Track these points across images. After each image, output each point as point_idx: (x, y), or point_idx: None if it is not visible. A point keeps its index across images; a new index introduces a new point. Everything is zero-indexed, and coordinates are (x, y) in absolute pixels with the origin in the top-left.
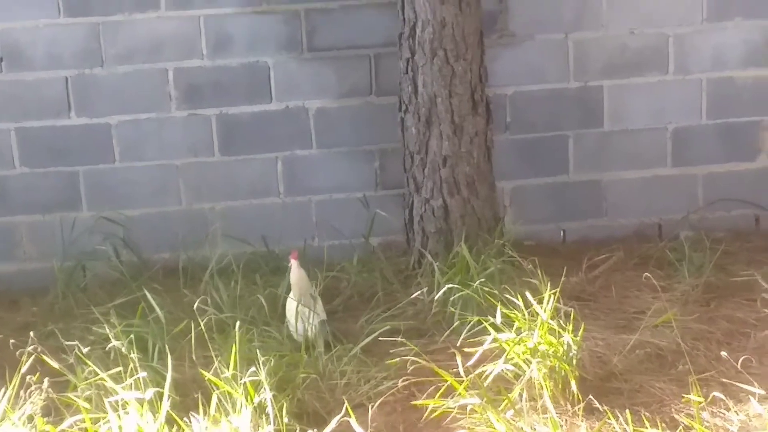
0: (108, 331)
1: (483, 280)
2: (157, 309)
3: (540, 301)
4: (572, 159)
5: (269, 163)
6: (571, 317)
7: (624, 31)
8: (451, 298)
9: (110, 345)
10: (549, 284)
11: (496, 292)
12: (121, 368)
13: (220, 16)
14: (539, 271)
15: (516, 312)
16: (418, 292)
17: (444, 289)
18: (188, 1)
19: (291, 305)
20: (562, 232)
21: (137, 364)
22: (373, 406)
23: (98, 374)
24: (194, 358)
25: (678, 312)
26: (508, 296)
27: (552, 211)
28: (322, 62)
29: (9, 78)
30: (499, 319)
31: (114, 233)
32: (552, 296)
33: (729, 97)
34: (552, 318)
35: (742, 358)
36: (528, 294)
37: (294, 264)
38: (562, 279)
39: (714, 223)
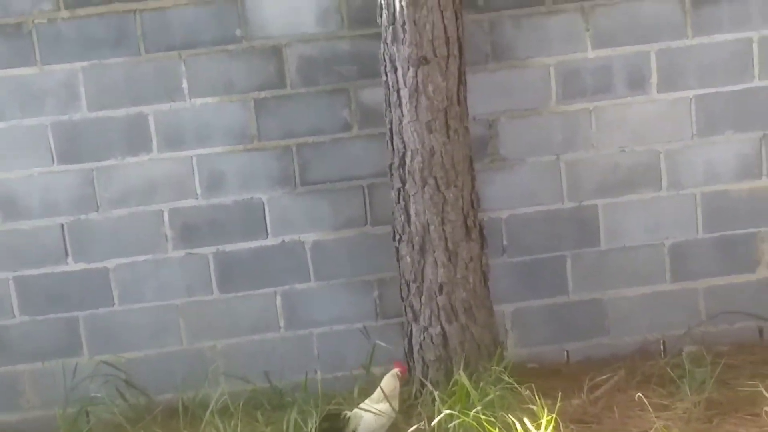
0: None
1: (483, 407)
2: None
3: (538, 427)
4: (571, 279)
5: (268, 299)
6: None
7: (615, 150)
8: (451, 426)
9: None
10: (548, 408)
11: (495, 419)
12: None
13: (213, 155)
14: (537, 396)
15: None
16: (419, 423)
17: (442, 415)
18: (180, 142)
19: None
20: (565, 353)
21: None
22: None
23: None
24: None
25: (681, 430)
26: (509, 422)
27: (554, 332)
28: (315, 195)
29: (6, 228)
30: None
31: (116, 376)
32: (550, 422)
33: (724, 210)
34: None
35: None
36: (526, 420)
37: (397, 374)
38: (560, 403)
39: (717, 337)
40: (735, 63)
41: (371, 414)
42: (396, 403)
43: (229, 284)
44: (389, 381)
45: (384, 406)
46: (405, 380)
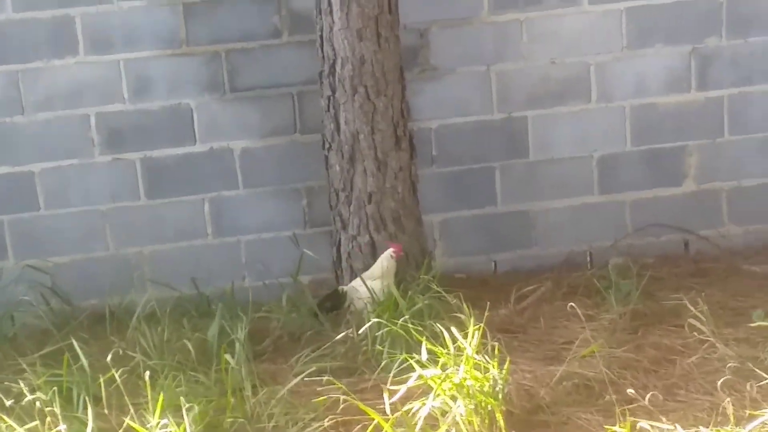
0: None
1: (411, 316)
2: (83, 358)
3: (466, 336)
4: (500, 190)
5: (196, 205)
6: (496, 351)
7: (545, 62)
8: (378, 335)
9: (30, 397)
10: (476, 318)
11: (422, 328)
12: (37, 422)
13: (140, 59)
14: (466, 306)
15: (441, 348)
16: (347, 330)
17: (369, 324)
18: (108, 46)
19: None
20: (493, 264)
21: (59, 416)
22: None
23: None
24: (121, 406)
25: (605, 341)
26: (436, 331)
27: (482, 243)
28: (245, 102)
29: None
30: (425, 356)
31: (41, 282)
32: (477, 331)
33: (653, 123)
34: (478, 352)
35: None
36: (454, 329)
37: (391, 255)
38: (487, 313)
39: (643, 249)
40: None
41: (365, 289)
42: (389, 280)
43: (157, 190)
44: (383, 261)
45: (377, 284)
46: (400, 259)
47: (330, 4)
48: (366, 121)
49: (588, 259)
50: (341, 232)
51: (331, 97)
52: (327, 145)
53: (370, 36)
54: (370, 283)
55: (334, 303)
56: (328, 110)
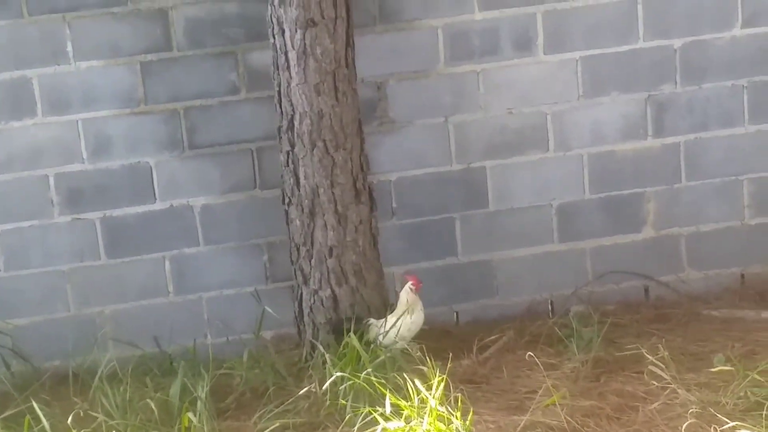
0: None
1: (374, 369)
2: (44, 420)
3: (429, 388)
4: (460, 240)
5: (157, 263)
6: (459, 402)
7: (502, 112)
8: (342, 389)
9: None
10: (439, 369)
11: (385, 381)
12: None
13: (99, 119)
14: (428, 357)
15: (404, 401)
16: (310, 385)
17: (333, 378)
18: (66, 106)
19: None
20: (455, 314)
21: None
22: None
23: None
24: None
25: (568, 389)
26: (400, 383)
27: (444, 294)
28: (204, 159)
29: None
30: (388, 409)
31: (2, 344)
32: (440, 382)
33: (611, 170)
34: (442, 404)
35: None
36: (417, 381)
37: (411, 287)
38: (450, 364)
39: (604, 296)
40: (620, 24)
41: (392, 328)
42: (418, 314)
43: (117, 249)
44: (403, 297)
45: (405, 320)
46: (418, 292)
47: (287, 59)
48: (325, 175)
49: (549, 307)
50: (303, 287)
51: (290, 152)
52: (287, 200)
53: (328, 90)
54: (404, 317)
55: (356, 330)
56: (288, 165)
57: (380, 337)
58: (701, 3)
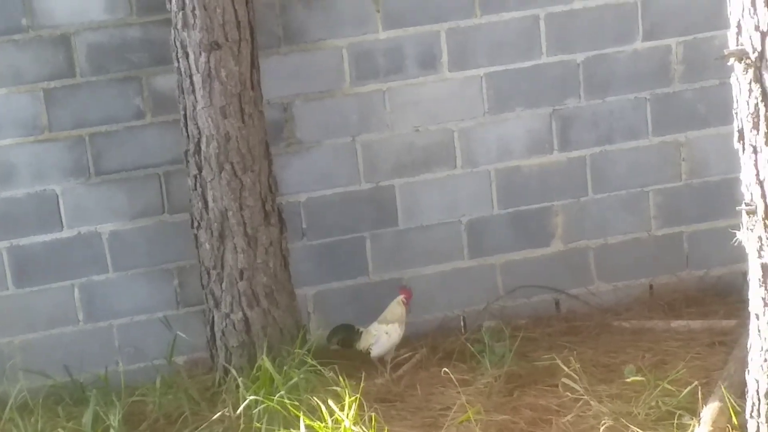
0: None
1: (287, 391)
2: None
3: (343, 408)
4: (371, 260)
5: (66, 291)
6: (374, 421)
7: (409, 130)
8: (256, 412)
9: None
10: (352, 389)
11: (299, 402)
12: None
13: (3, 147)
14: (342, 377)
15: (319, 422)
16: (224, 409)
17: (246, 402)
18: None
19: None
20: None
21: None
22: None
23: None
24: None
25: (482, 405)
26: (313, 405)
27: (356, 313)
28: (111, 185)
29: None
30: (303, 430)
31: None
32: (354, 402)
33: (518, 185)
34: (356, 423)
35: None
36: (331, 402)
37: (402, 300)
38: (363, 383)
39: (516, 311)
40: (523, 40)
41: (384, 334)
42: (403, 327)
43: (25, 278)
44: (395, 307)
45: (393, 327)
46: (408, 306)
47: (192, 83)
48: (234, 197)
49: (461, 323)
50: (214, 311)
51: (198, 176)
52: (196, 224)
53: (234, 113)
54: (389, 327)
55: (345, 339)
56: (196, 189)
57: (372, 347)
58: (602, 17)
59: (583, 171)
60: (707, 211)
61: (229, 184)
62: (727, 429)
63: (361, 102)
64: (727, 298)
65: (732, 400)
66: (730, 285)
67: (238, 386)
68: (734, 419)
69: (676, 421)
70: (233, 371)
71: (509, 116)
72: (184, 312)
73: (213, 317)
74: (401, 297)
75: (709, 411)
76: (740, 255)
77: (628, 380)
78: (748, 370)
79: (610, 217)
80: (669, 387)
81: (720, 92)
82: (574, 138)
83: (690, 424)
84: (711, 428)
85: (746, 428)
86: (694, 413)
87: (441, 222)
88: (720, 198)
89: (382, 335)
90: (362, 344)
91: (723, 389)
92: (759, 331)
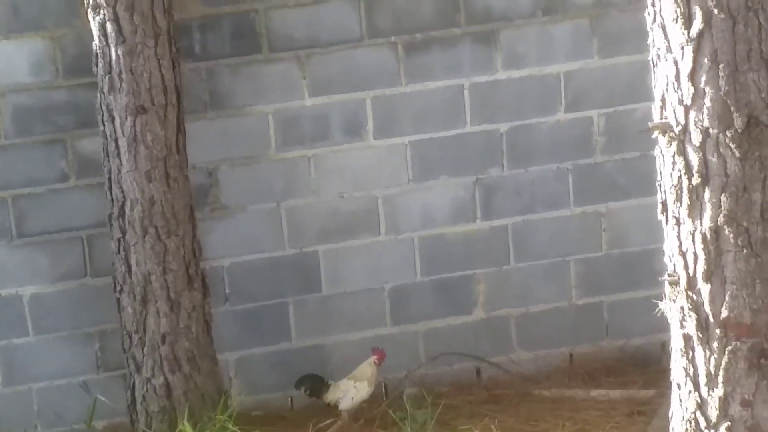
0: None
1: None
2: None
3: None
4: (294, 325)
5: None
6: None
7: (334, 196)
8: None
9: None
10: None
11: None
12: None
13: None
14: None
15: None
16: None
17: None
18: None
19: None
20: (290, 399)
21: None
22: None
23: None
24: None
25: None
26: None
27: (278, 379)
28: (33, 247)
29: None
30: None
31: None
32: None
33: (441, 253)
34: None
35: None
36: None
37: (374, 361)
38: None
39: (437, 378)
40: (447, 109)
41: (353, 389)
42: (372, 386)
43: None
44: (365, 367)
45: (362, 384)
46: (380, 366)
47: (117, 146)
48: (157, 261)
49: (383, 390)
50: (135, 375)
51: (122, 239)
52: (118, 288)
53: (159, 177)
54: (358, 384)
55: (314, 388)
56: (119, 252)
57: (340, 401)
58: (526, 88)
59: (505, 240)
60: (627, 281)
61: (153, 248)
62: None
63: (286, 168)
64: (646, 367)
65: None
66: (648, 355)
67: None
68: None
69: None
70: None
71: (433, 184)
72: (104, 376)
73: (134, 382)
74: (374, 358)
75: None
76: (659, 325)
77: None
78: None
79: (531, 285)
80: None
81: (641, 164)
82: (496, 207)
83: None
84: None
85: None
86: None
87: (364, 288)
88: (640, 268)
89: (351, 390)
90: (329, 396)
91: None
92: (680, 401)
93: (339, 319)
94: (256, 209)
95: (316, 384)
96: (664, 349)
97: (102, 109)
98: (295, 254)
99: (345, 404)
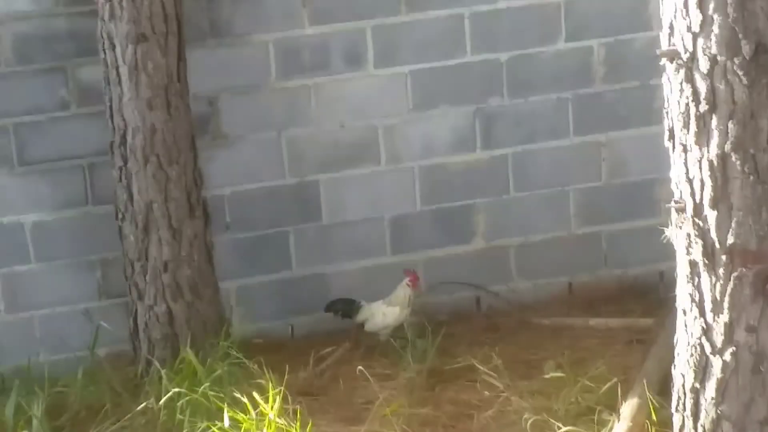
0: None
1: (211, 384)
2: None
3: (267, 401)
4: (294, 254)
5: None
6: (298, 414)
7: (335, 126)
8: (179, 404)
9: None
10: (275, 382)
11: (223, 395)
12: None
13: None
14: (265, 371)
15: (243, 414)
16: (147, 401)
17: (170, 394)
18: None
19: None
20: (290, 328)
21: None
22: None
23: None
24: None
25: (404, 399)
26: (237, 397)
27: (279, 308)
28: (35, 175)
29: None
30: (227, 423)
31: None
32: (278, 395)
33: (441, 183)
34: (280, 416)
35: None
36: (255, 394)
37: (407, 283)
38: (287, 376)
39: (437, 307)
40: (448, 38)
41: (381, 314)
42: (407, 311)
43: None
44: (398, 291)
45: (393, 310)
46: (416, 289)
47: (119, 75)
48: (159, 190)
49: None
50: (137, 303)
51: (123, 168)
52: (120, 216)
53: (161, 105)
54: (388, 308)
55: (345, 310)
56: (121, 181)
57: (367, 323)
58: (526, 18)
59: (505, 169)
60: (626, 211)
61: (155, 176)
62: (646, 425)
63: (287, 97)
64: (644, 297)
65: (651, 397)
66: (647, 284)
67: (161, 378)
68: (653, 415)
69: (596, 417)
70: (156, 363)
71: (434, 114)
72: (107, 304)
73: (136, 309)
74: (407, 280)
75: (628, 407)
76: (657, 255)
77: (548, 376)
78: (675, 365)
79: (531, 215)
80: (589, 383)
81: (640, 94)
82: (497, 136)
83: (609, 420)
84: (630, 424)
85: (666, 424)
86: (614, 409)
87: (364, 218)
88: (639, 198)
89: (378, 314)
90: (359, 317)
91: (643, 386)
92: (686, 326)
93: (339, 249)
94: (257, 138)
95: (346, 306)
96: (663, 278)
97: (102, 37)
98: (296, 183)
99: (369, 327)
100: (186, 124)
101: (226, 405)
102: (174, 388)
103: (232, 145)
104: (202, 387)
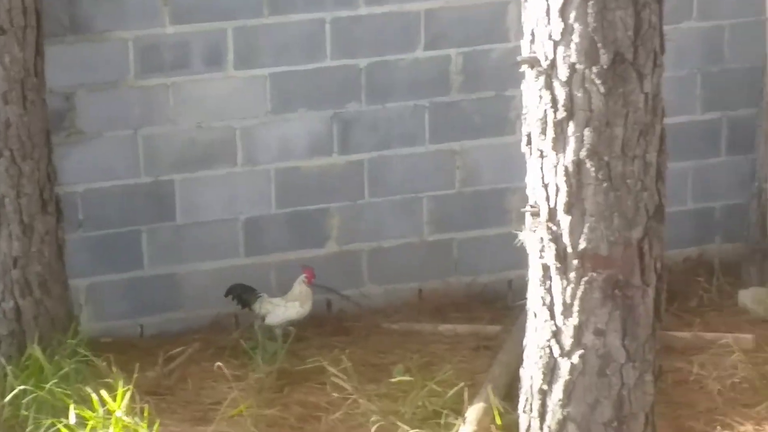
0: None
1: (58, 381)
2: None
3: (114, 399)
4: (146, 253)
5: None
6: (145, 413)
7: (192, 126)
8: (24, 401)
9: None
10: (124, 381)
11: (70, 392)
12: None
13: None
14: (114, 369)
15: (90, 411)
16: None
17: (15, 392)
18: None
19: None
20: (140, 327)
21: None
22: None
23: None
24: None
25: (253, 400)
26: (84, 395)
27: (129, 307)
28: None
29: None
30: (73, 420)
31: None
32: (125, 393)
33: (297, 186)
34: (128, 414)
35: None
36: (103, 392)
37: (303, 280)
38: (135, 375)
39: None
40: (308, 42)
41: (281, 307)
42: (308, 306)
43: None
44: (295, 287)
45: (293, 304)
46: (311, 284)
47: None
48: (12, 184)
49: (234, 320)
50: None
51: None
52: None
53: (16, 99)
54: (288, 303)
55: (244, 297)
56: None
57: (268, 316)
58: (386, 25)
59: (360, 174)
60: (477, 219)
61: (8, 170)
62: (491, 429)
63: (144, 95)
64: (492, 304)
65: (497, 402)
66: (496, 292)
67: (6, 375)
68: (498, 419)
69: (442, 421)
70: (2, 360)
71: (291, 117)
72: None
73: None
74: (303, 276)
75: (474, 411)
76: (507, 263)
77: (395, 380)
78: (523, 366)
79: (384, 220)
80: (436, 387)
81: (495, 104)
82: (353, 141)
83: (455, 424)
84: (475, 428)
85: (511, 428)
86: (460, 413)
87: (219, 219)
88: (490, 207)
89: (279, 308)
90: (258, 308)
91: (489, 391)
92: (536, 329)
93: (192, 249)
94: (113, 136)
95: (245, 293)
96: (511, 286)
97: None
98: (151, 182)
99: (270, 320)
100: (41, 119)
101: (72, 402)
102: (20, 385)
103: (88, 142)
104: (49, 384)
